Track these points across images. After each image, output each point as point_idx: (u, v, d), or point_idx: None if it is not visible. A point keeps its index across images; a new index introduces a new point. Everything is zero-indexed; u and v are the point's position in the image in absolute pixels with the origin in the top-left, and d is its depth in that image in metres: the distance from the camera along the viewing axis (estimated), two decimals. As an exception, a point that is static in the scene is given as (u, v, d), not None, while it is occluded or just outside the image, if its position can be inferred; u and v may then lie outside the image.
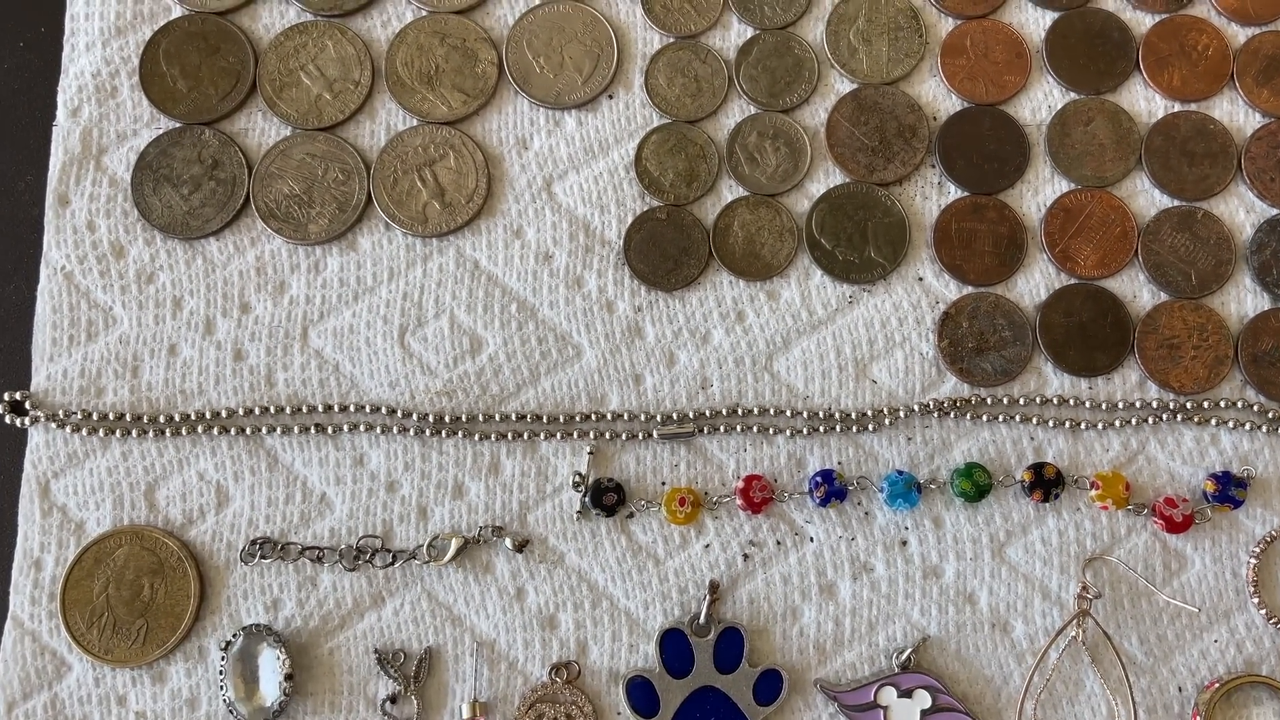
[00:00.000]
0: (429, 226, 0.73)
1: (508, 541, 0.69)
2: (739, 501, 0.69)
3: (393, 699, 0.68)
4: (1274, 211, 0.75)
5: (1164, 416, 0.71)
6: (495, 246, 0.74)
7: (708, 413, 0.71)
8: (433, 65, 0.75)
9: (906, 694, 0.67)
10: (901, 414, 0.71)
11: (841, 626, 0.69)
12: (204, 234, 0.73)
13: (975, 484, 0.69)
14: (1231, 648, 0.69)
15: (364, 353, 0.72)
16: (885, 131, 0.75)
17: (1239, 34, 0.78)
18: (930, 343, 0.72)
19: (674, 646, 0.68)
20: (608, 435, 0.71)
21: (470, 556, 0.70)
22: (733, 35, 0.77)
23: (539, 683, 0.68)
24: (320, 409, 0.70)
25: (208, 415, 0.70)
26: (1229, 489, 0.70)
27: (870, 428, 0.71)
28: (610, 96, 0.76)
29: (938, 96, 0.76)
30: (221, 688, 0.67)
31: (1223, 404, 0.72)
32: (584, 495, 0.70)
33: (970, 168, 0.75)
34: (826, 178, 0.75)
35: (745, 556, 0.70)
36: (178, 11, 0.77)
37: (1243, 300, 0.74)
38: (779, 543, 0.70)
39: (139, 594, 0.68)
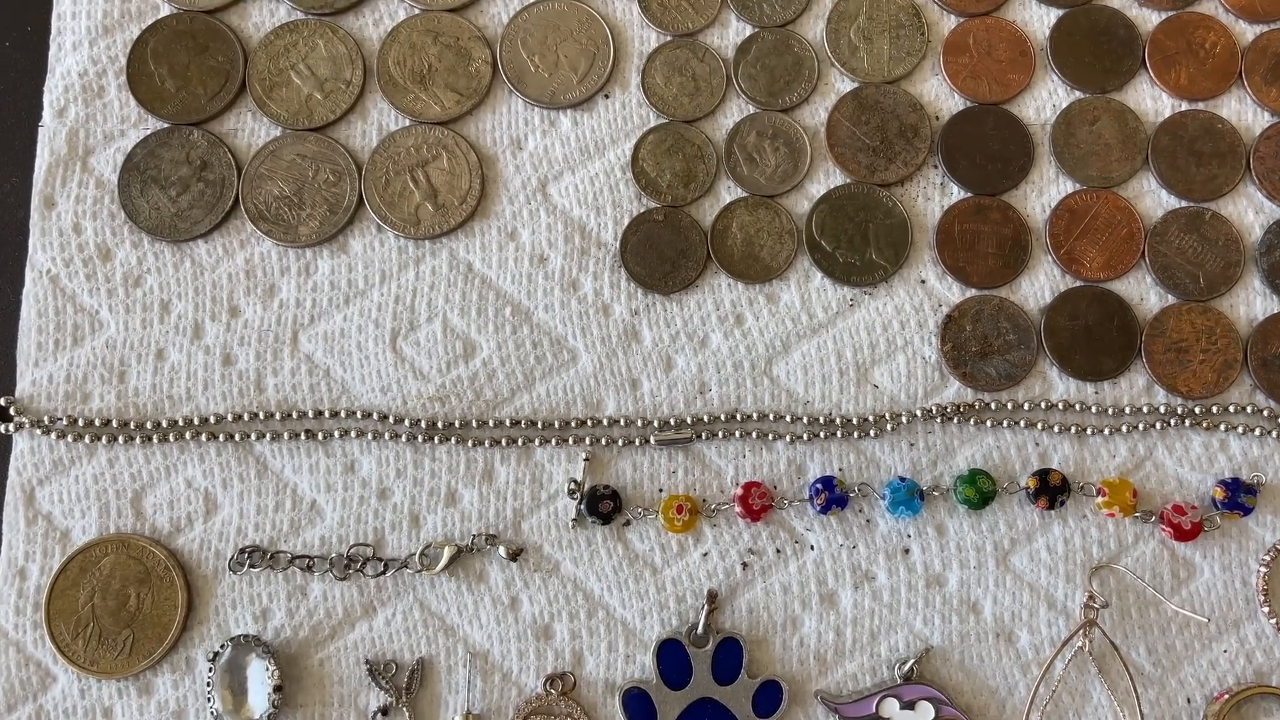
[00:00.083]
0: (421, 228, 0.73)
1: (501, 550, 0.68)
2: (738, 509, 0.69)
3: (384, 711, 0.67)
4: (1283, 212, 0.75)
5: (1172, 422, 0.71)
6: (489, 249, 0.73)
7: (706, 418, 0.70)
8: (425, 64, 0.75)
9: (909, 706, 0.67)
10: (904, 419, 0.70)
11: (843, 637, 0.69)
12: (192, 236, 0.73)
13: (979, 491, 0.69)
14: (1241, 658, 0.69)
15: (355, 357, 0.71)
16: (887, 131, 0.74)
17: (1247, 31, 0.77)
18: (933, 346, 0.72)
19: (671, 657, 0.68)
20: (604, 441, 0.70)
21: (463, 565, 0.69)
22: (731, 33, 0.77)
23: (533, 694, 0.68)
24: (310, 415, 0.70)
25: (196, 421, 0.70)
26: (1238, 496, 0.69)
27: (872, 433, 0.70)
28: (606, 96, 0.75)
29: (940, 95, 0.76)
30: (209, 700, 0.67)
31: (1232, 409, 0.71)
32: (579, 502, 0.69)
33: (973, 168, 0.74)
34: (827, 178, 0.75)
35: (744, 565, 0.69)
36: (166, 10, 0.76)
37: (1252, 303, 0.73)
38: (779, 551, 0.70)
39: (125, 604, 0.68)
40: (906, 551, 0.70)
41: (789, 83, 0.75)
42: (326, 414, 0.70)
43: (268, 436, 0.70)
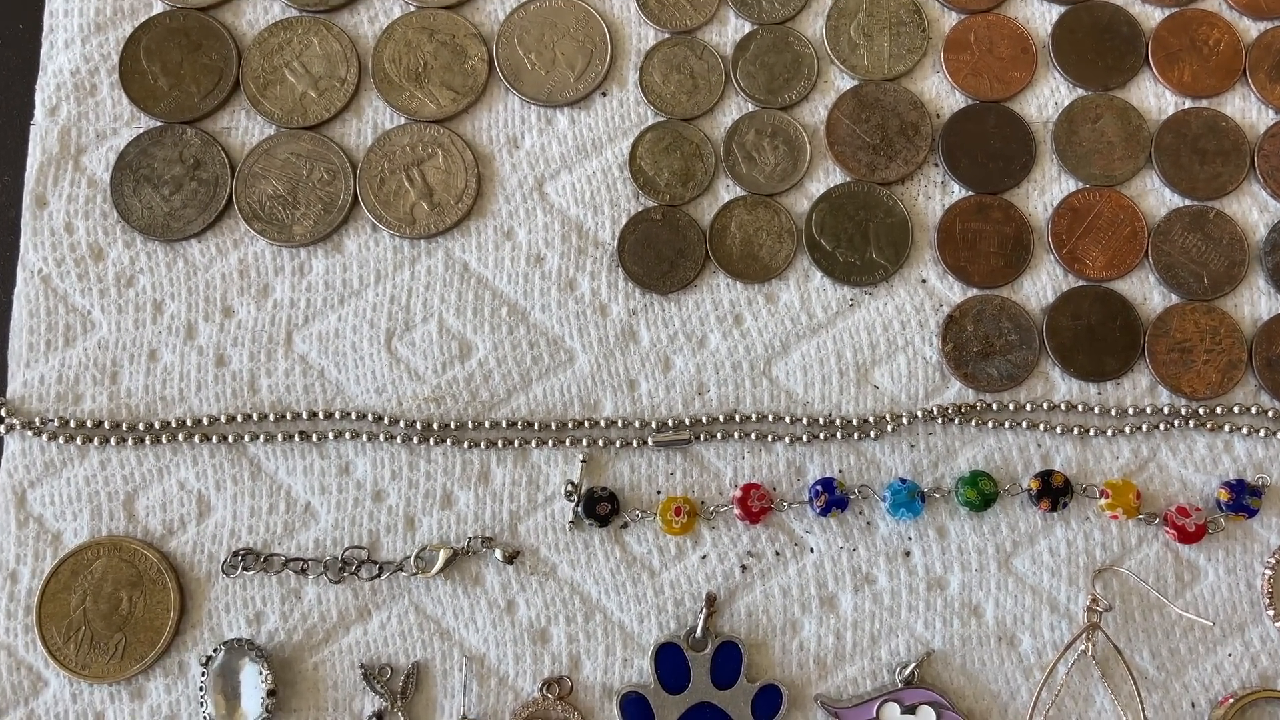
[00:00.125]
0: (417, 228, 0.72)
1: (498, 553, 0.68)
2: (737, 511, 0.69)
3: (379, 716, 0.67)
4: (1288, 211, 0.75)
5: (1175, 423, 0.71)
6: (485, 248, 0.73)
7: (704, 419, 0.70)
8: (421, 62, 0.75)
9: (910, 710, 0.67)
10: (904, 420, 0.70)
11: (843, 640, 0.68)
12: (185, 236, 0.72)
13: (981, 493, 0.68)
14: (1246, 662, 0.69)
15: (350, 358, 0.71)
16: (887, 129, 0.74)
17: (1251, 28, 0.77)
18: (934, 347, 0.72)
19: (669, 661, 0.68)
20: (601, 443, 0.70)
21: (459, 568, 0.69)
22: (730, 30, 0.76)
23: (530, 699, 0.68)
24: (305, 416, 0.70)
25: (189, 422, 0.70)
26: (1243, 497, 0.69)
27: (872, 434, 0.70)
28: (604, 94, 0.75)
29: (941, 93, 0.76)
30: (202, 704, 0.66)
31: (1236, 410, 0.71)
32: (576, 505, 0.69)
33: (975, 166, 0.74)
34: (826, 177, 0.74)
35: (743, 568, 0.69)
36: (159, 7, 0.76)
37: (1256, 302, 0.73)
38: (778, 554, 0.69)
39: (117, 607, 0.68)
40: (907, 554, 0.69)
41: (788, 80, 0.75)
42: (321, 415, 0.70)
43: (261, 438, 0.69)
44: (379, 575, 0.68)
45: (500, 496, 0.70)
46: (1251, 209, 0.74)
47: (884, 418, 0.70)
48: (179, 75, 0.74)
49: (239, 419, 0.69)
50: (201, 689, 0.66)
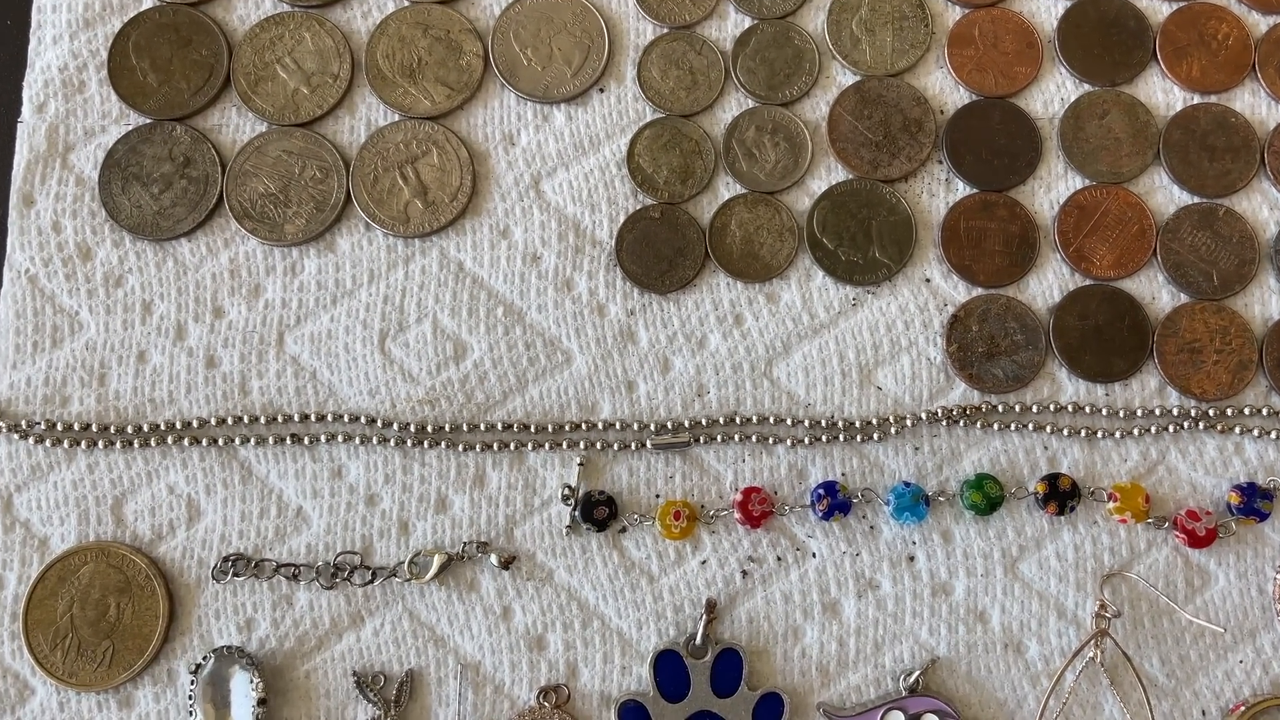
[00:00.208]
0: (411, 226, 0.72)
1: (493, 558, 0.68)
2: (737, 515, 0.68)
3: (372, 724, 0.67)
4: (1299, 208, 0.74)
5: (1185, 424, 0.70)
6: (480, 247, 0.72)
7: (704, 421, 0.70)
8: (415, 58, 0.75)
9: (915, 718, 0.66)
10: (908, 422, 0.70)
11: (846, 647, 0.68)
12: (175, 235, 0.72)
13: (986, 496, 0.68)
14: (1258, 668, 0.69)
15: (342, 359, 0.71)
16: (890, 126, 0.74)
17: (1260, 23, 0.77)
18: (938, 347, 0.71)
19: (669, 669, 0.67)
20: (599, 445, 0.70)
21: (454, 574, 0.68)
22: (729, 25, 0.76)
23: (526, 707, 0.67)
24: (296, 418, 0.70)
25: (178, 425, 0.69)
26: (1254, 501, 0.69)
27: (875, 437, 0.70)
28: (601, 90, 0.75)
29: (945, 89, 0.75)
30: (191, 713, 0.66)
31: (1247, 411, 0.71)
32: (574, 509, 0.69)
33: (979, 163, 0.74)
34: (828, 174, 0.74)
35: (744, 573, 0.69)
36: (148, 2, 0.76)
37: (1267, 302, 0.73)
38: (779, 559, 0.69)
39: (105, 614, 0.67)
40: (911, 559, 0.69)
41: (789, 76, 0.75)
42: (313, 417, 0.69)
43: (252, 441, 0.69)
44: (372, 581, 0.68)
45: (496, 500, 0.69)
46: (1262, 206, 0.74)
47: (887, 420, 0.70)
48: (169, 71, 0.74)
49: (229, 421, 0.69)
50: (191, 697, 0.66)
